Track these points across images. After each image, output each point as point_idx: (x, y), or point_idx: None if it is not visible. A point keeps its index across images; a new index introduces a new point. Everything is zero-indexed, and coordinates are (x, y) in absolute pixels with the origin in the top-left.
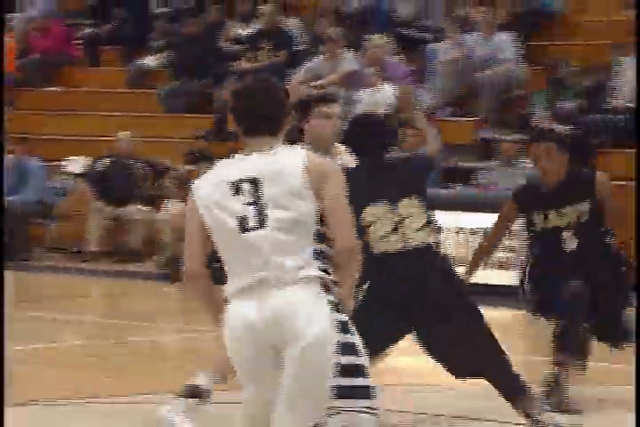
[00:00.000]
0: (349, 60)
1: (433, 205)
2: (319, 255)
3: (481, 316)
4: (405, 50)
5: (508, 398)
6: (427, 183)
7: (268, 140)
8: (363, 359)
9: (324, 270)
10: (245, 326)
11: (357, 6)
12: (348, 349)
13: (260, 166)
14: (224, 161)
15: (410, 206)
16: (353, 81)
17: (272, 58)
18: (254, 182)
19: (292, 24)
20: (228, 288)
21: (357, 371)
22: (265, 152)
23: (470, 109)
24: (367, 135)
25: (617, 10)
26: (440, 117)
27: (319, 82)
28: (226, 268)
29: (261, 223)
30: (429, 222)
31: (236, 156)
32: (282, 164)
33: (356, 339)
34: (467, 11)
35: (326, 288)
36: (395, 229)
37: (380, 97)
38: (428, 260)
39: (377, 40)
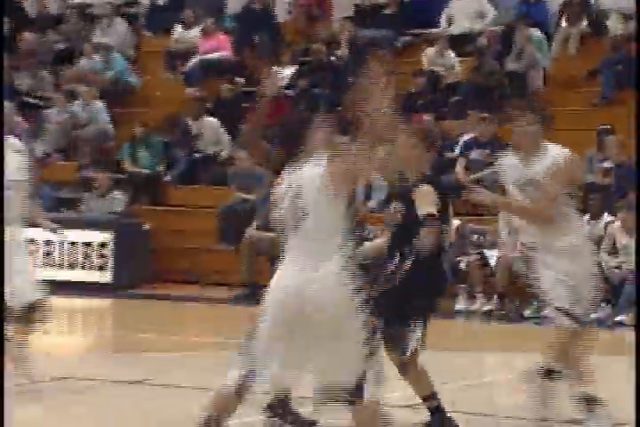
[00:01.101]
0: None
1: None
2: None
3: None
4: (25, 112)
5: None
6: None
7: None
8: None
9: None
10: None
11: None
12: None
13: None
14: None
15: None
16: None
17: None
18: None
19: None
20: None
21: None
22: None
23: (74, 155)
24: None
25: (180, 87)
26: (53, 161)
27: None
28: None
29: None
30: None
31: None
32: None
33: None
34: (71, 85)
35: None
36: None
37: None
38: None
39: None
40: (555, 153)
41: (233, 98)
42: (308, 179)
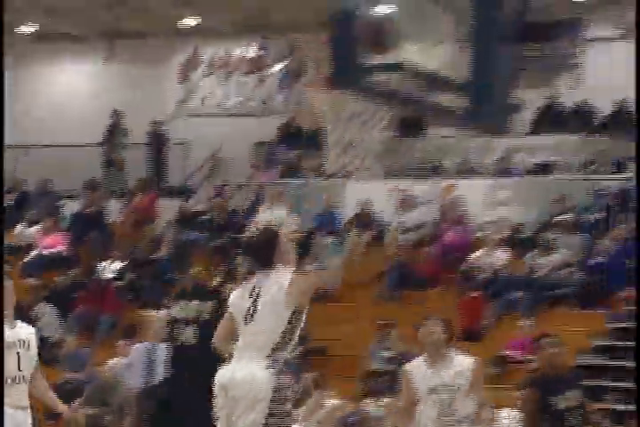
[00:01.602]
0: None
1: None
2: None
3: None
4: None
5: None
6: None
7: None
8: None
9: None
10: None
11: None
12: None
13: None
14: None
15: None
16: None
17: None
18: None
19: None
20: None
21: None
22: None
23: None
24: None
25: (20, 278)
26: None
27: None
28: None
29: None
30: None
31: None
32: None
33: None
34: None
35: None
36: None
37: None
38: None
39: None
40: (461, 359)
41: (67, 287)
42: (273, 282)
